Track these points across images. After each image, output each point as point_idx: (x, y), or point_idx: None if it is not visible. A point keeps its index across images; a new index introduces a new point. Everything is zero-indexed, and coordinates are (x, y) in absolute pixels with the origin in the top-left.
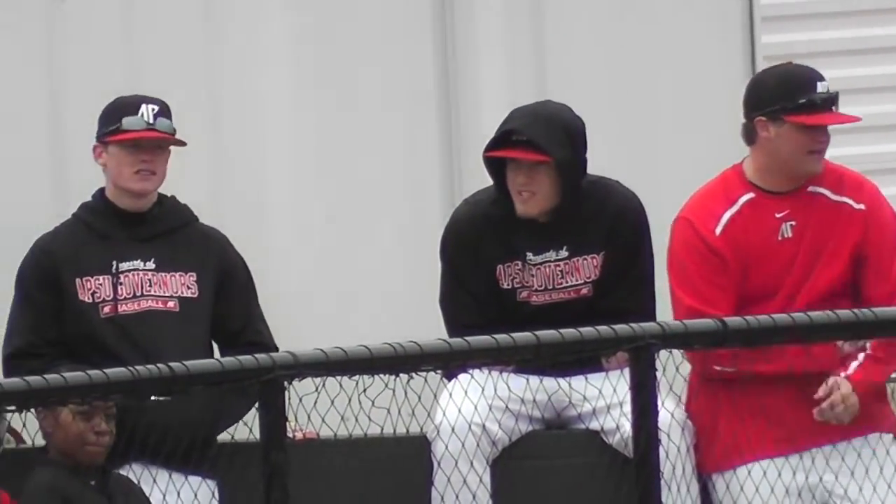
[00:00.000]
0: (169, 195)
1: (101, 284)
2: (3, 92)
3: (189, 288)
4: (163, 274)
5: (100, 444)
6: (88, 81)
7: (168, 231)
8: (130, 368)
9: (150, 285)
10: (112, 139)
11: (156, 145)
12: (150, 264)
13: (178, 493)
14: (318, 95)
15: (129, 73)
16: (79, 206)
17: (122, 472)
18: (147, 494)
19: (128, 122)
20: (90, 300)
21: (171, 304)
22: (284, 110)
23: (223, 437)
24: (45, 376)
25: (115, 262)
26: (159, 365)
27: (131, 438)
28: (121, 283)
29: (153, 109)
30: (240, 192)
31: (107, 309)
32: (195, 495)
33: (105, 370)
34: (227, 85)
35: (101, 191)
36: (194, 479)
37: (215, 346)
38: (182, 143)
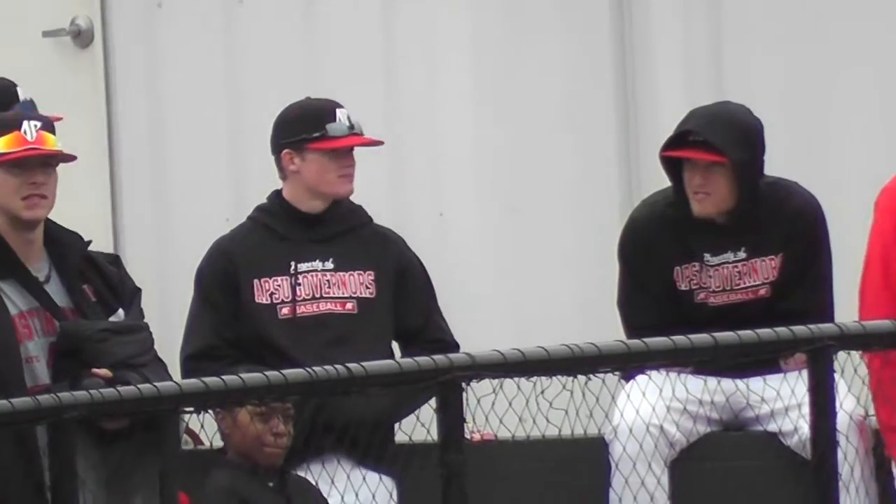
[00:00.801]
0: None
1: (279, 286)
2: (184, 93)
3: (367, 287)
4: (341, 273)
5: (278, 445)
6: (267, 81)
7: (346, 231)
8: (308, 370)
9: (329, 286)
10: (315, 146)
11: (352, 149)
12: (329, 264)
13: (357, 492)
14: (496, 95)
15: (307, 73)
16: (254, 209)
17: (301, 472)
18: (325, 494)
19: (332, 128)
20: (268, 301)
21: (349, 305)
22: (462, 111)
23: (401, 437)
24: (223, 377)
25: (293, 263)
26: (337, 366)
27: (311, 432)
28: (299, 285)
29: (346, 113)
30: (417, 194)
31: (285, 311)
32: (373, 495)
33: (283, 371)
34: (404, 83)
35: (277, 193)
36: (374, 476)
37: (395, 345)
38: (380, 143)
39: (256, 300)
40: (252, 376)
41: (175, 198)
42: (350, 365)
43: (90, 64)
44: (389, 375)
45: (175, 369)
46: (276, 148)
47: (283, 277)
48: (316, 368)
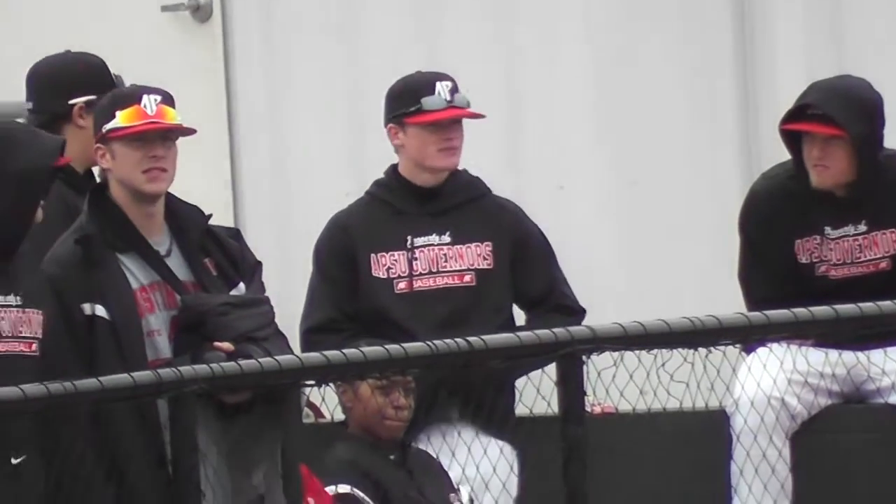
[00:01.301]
0: (461, 168)
1: (395, 260)
2: (303, 67)
3: (485, 259)
4: (458, 246)
5: (399, 418)
6: (386, 55)
7: (462, 203)
8: (429, 343)
9: (446, 260)
10: (412, 120)
11: (456, 122)
12: (446, 237)
13: (477, 464)
14: (615, 69)
15: (429, 47)
16: (372, 183)
17: (422, 445)
18: (446, 466)
19: (428, 101)
20: (384, 276)
21: (467, 277)
22: (582, 85)
23: (522, 410)
24: (344, 351)
25: (409, 238)
26: (457, 339)
27: (434, 401)
28: (415, 259)
29: (448, 86)
30: (536, 167)
31: (402, 285)
32: (494, 468)
33: (403, 345)
34: (525, 57)
35: (394, 167)
36: (495, 446)
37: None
38: (481, 116)
39: (374, 274)
40: (373, 350)
41: (294, 172)
42: (470, 338)
43: (209, 38)
44: (509, 348)
45: (296, 343)
46: (384, 123)
47: (400, 252)
48: (436, 342)
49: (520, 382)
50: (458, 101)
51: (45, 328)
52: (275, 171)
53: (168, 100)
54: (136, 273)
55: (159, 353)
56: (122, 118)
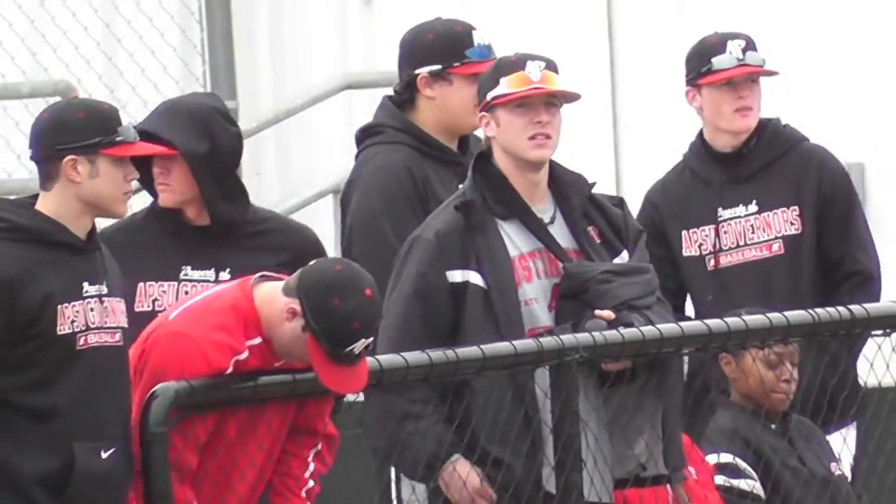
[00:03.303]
0: (772, 118)
1: (706, 236)
2: (685, 42)
3: (792, 224)
4: (765, 214)
5: (786, 391)
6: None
7: (768, 163)
8: (810, 312)
9: (753, 231)
10: (704, 81)
11: (750, 80)
12: (752, 206)
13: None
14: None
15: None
16: (688, 148)
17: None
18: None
19: (718, 61)
20: (696, 253)
21: (775, 246)
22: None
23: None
24: (726, 319)
25: (719, 209)
26: (839, 308)
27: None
28: (725, 233)
29: (741, 44)
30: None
31: (712, 262)
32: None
33: (785, 314)
34: None
35: (700, 133)
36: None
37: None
38: (774, 73)
39: (684, 253)
40: (754, 318)
41: (675, 141)
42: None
43: (596, 4)
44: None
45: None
46: (685, 88)
47: (710, 226)
48: (818, 311)
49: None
50: (751, 59)
51: None
52: (655, 139)
53: (552, 66)
54: (516, 241)
55: (535, 321)
56: (506, 84)
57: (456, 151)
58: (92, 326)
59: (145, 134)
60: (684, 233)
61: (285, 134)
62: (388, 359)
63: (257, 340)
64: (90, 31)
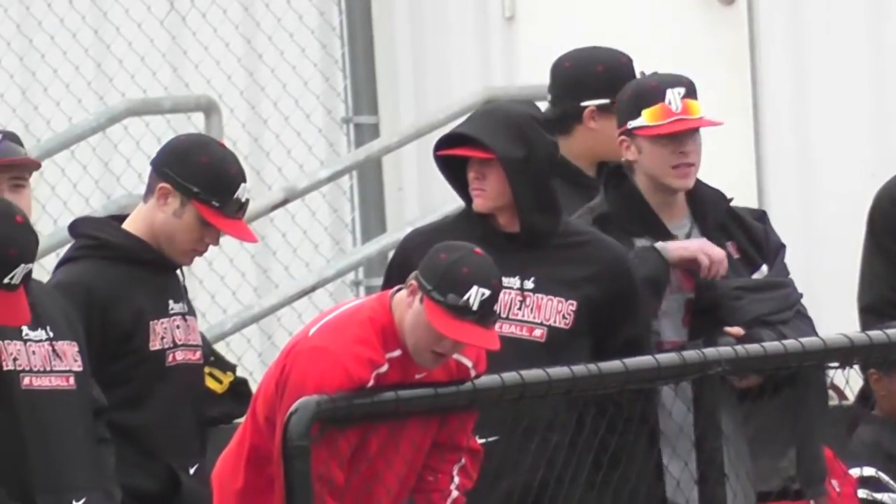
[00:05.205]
0: None
1: None
2: (827, 51)
3: None
4: None
5: None
6: None
7: None
8: None
9: None
10: None
11: None
12: None
13: None
14: None
15: None
16: None
17: None
18: None
19: None
20: None
21: None
22: None
23: None
24: (869, 333)
25: None
26: None
27: None
28: None
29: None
30: None
31: None
32: None
33: None
34: None
35: None
36: None
37: None
38: None
39: None
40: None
41: (818, 155)
42: None
43: (734, 22)
44: None
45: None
46: None
47: None
48: None
49: None
50: None
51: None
52: (799, 154)
53: (691, 91)
54: None
55: (662, 336)
56: (647, 117)
57: (593, 177)
58: (178, 343)
59: (462, 137)
60: None
61: (426, 149)
62: (530, 373)
63: (397, 353)
64: (231, 47)
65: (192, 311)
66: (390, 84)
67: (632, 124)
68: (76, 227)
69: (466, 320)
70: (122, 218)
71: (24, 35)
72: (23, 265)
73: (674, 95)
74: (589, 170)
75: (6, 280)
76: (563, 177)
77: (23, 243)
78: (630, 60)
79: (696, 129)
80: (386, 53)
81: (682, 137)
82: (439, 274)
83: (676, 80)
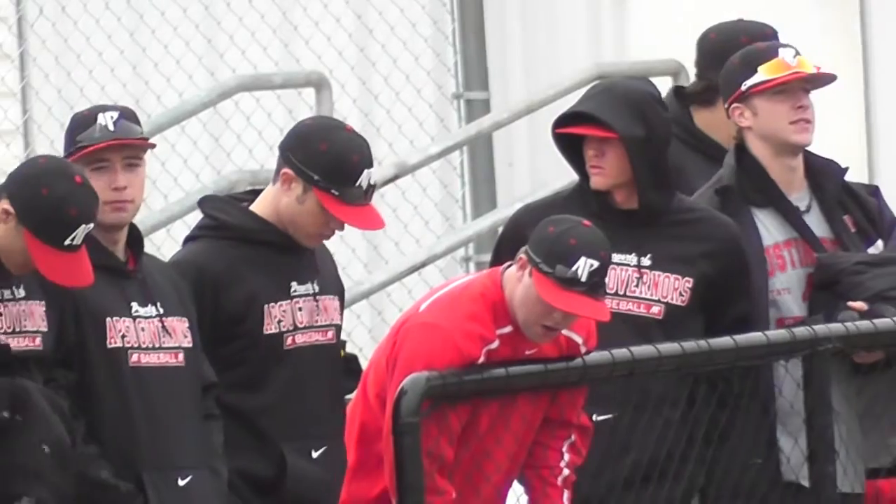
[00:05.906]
0: None
1: None
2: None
3: None
4: None
5: None
6: None
7: None
8: None
9: None
10: None
11: None
12: None
13: None
14: None
15: None
16: None
17: None
18: None
19: None
20: None
21: None
22: None
23: None
24: None
25: None
26: None
27: None
28: None
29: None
30: None
31: None
32: None
33: None
34: None
35: None
36: None
37: None
38: None
39: None
40: None
41: None
42: None
43: None
44: None
45: None
46: None
47: None
48: None
49: None
50: None
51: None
52: None
53: (799, 53)
54: (771, 229)
55: (784, 311)
56: (765, 71)
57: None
58: (300, 326)
59: (581, 115)
60: None
61: (537, 124)
62: (640, 349)
63: (507, 329)
64: (342, 23)
65: (326, 290)
66: (500, 60)
67: (748, 83)
68: (202, 204)
69: (575, 291)
70: (255, 195)
71: (134, 10)
72: (83, 226)
73: (787, 53)
74: (728, 143)
75: (67, 241)
76: (700, 151)
77: (83, 203)
78: (775, 32)
79: (810, 91)
80: (496, 29)
81: (799, 93)
82: (547, 246)
83: (785, 43)
